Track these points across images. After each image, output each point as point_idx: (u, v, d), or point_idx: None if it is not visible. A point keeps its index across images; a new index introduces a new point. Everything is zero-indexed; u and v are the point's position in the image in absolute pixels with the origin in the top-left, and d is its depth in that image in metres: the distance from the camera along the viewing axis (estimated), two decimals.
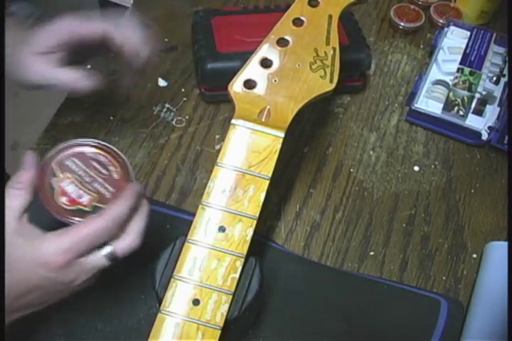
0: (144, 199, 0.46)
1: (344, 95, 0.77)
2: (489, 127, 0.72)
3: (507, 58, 0.78)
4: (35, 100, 1.52)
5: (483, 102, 0.74)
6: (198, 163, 0.69)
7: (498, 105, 0.74)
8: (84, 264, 0.43)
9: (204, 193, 0.46)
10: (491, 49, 0.79)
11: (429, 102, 0.74)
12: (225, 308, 0.44)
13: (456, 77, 0.76)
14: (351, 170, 0.70)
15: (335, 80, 0.48)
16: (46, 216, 0.44)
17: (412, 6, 0.86)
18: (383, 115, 0.76)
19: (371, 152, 0.72)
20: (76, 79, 0.54)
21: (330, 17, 0.49)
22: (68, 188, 0.46)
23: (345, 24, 0.72)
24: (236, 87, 0.48)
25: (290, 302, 0.59)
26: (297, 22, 0.49)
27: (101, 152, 0.47)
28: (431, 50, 0.81)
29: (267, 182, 0.46)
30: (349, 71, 0.67)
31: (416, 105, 0.73)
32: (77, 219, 0.45)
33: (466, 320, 0.59)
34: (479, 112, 0.73)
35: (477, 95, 0.74)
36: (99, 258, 0.43)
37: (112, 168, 0.47)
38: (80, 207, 0.45)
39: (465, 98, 0.74)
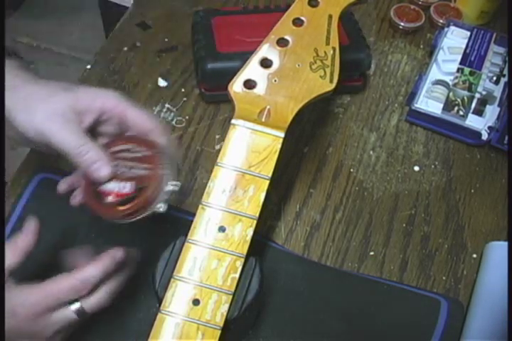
0: (130, 264, 0.48)
1: (344, 95, 0.77)
2: (489, 127, 0.72)
3: (507, 58, 0.78)
4: None
5: (483, 102, 0.74)
6: (197, 163, 0.69)
7: (498, 105, 0.74)
8: (52, 318, 0.44)
9: (204, 193, 0.46)
10: (491, 49, 0.79)
11: (429, 102, 0.74)
12: (225, 308, 0.44)
13: (456, 77, 0.76)
14: (351, 170, 0.70)
15: (335, 80, 0.48)
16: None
17: (412, 6, 0.86)
18: (383, 115, 0.76)
19: (371, 152, 0.72)
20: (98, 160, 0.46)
21: (330, 17, 0.49)
22: (108, 187, 0.46)
23: (345, 24, 0.72)
24: (236, 87, 0.48)
25: (290, 302, 0.59)
26: (297, 22, 0.49)
27: (119, 141, 0.48)
28: (431, 50, 0.81)
29: (267, 182, 0.46)
30: (349, 71, 0.67)
31: (416, 105, 0.73)
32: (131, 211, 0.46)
33: (466, 320, 0.59)
34: (479, 112, 0.73)
35: (477, 95, 0.74)
36: (67, 313, 0.44)
37: (137, 149, 0.47)
38: (128, 196, 0.46)
39: (465, 98, 0.74)
